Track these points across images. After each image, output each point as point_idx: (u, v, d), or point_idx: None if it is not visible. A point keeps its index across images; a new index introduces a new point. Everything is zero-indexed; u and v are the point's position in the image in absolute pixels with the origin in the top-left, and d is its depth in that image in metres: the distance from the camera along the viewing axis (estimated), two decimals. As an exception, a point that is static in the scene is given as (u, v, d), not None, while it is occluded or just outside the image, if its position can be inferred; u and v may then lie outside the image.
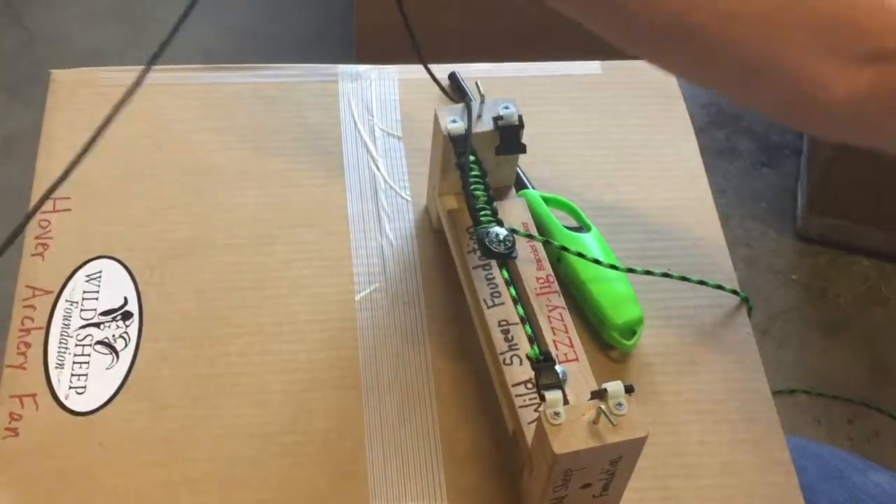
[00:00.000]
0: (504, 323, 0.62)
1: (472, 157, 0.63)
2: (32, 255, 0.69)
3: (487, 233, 0.61)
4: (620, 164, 0.79)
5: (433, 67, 0.82)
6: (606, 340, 0.67)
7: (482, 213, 0.62)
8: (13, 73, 1.69)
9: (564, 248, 0.66)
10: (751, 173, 1.63)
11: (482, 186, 0.63)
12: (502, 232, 0.61)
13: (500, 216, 0.63)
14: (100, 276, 0.68)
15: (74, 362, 0.64)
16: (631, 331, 0.67)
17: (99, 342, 0.65)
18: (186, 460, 0.61)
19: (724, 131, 1.68)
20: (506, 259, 0.60)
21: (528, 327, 0.58)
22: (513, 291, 0.59)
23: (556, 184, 0.75)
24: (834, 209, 1.49)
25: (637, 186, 0.77)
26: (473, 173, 0.63)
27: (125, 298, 0.68)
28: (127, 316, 0.67)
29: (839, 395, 1.37)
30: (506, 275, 0.60)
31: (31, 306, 0.67)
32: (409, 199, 0.74)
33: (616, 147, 0.80)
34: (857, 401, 1.37)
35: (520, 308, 0.58)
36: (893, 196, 1.44)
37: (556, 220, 0.70)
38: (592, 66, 0.84)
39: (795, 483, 0.63)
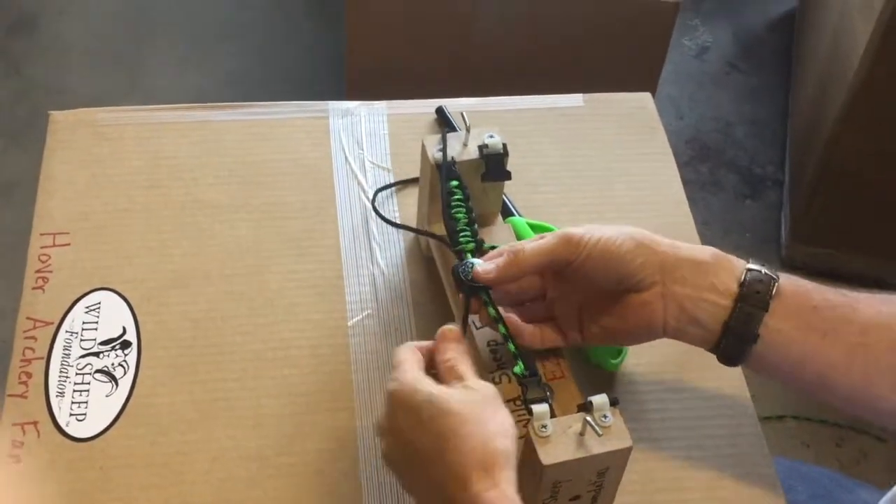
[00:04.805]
0: (492, 343, 0.64)
1: (456, 183, 0.66)
2: (33, 288, 0.71)
3: (463, 265, 0.62)
4: (604, 191, 0.81)
5: (421, 103, 0.85)
6: (593, 360, 0.69)
7: (462, 234, 0.64)
8: (11, 121, 1.72)
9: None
10: (735, 205, 1.66)
11: (464, 210, 0.65)
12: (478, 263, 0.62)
13: (485, 240, 0.65)
14: (99, 308, 0.70)
15: (75, 390, 0.66)
16: (616, 350, 0.69)
17: (98, 370, 0.67)
18: (184, 483, 0.62)
19: (708, 165, 1.71)
20: (484, 292, 0.62)
21: (510, 345, 0.59)
22: (492, 312, 0.61)
23: (543, 211, 0.77)
24: (817, 238, 1.52)
25: (621, 212, 0.80)
26: (456, 197, 0.65)
27: (123, 328, 0.69)
28: (125, 345, 0.69)
29: (827, 420, 1.39)
30: (486, 297, 0.62)
31: (33, 337, 0.68)
32: (399, 228, 0.77)
33: (600, 175, 0.82)
34: (845, 424, 1.38)
35: (501, 327, 0.60)
36: (874, 223, 1.47)
37: (542, 244, 0.72)
38: (575, 99, 0.87)
39: (781, 495, 0.65)
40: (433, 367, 0.58)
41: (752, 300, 0.58)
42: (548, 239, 0.60)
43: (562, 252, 0.59)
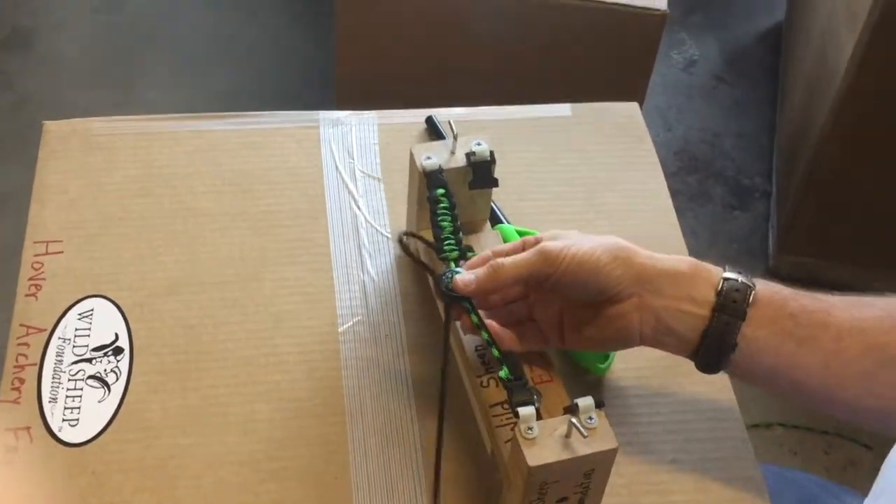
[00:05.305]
0: (480, 348, 0.65)
1: (442, 191, 0.67)
2: (26, 295, 0.72)
3: (444, 275, 0.63)
4: (592, 199, 0.82)
5: (411, 113, 0.86)
6: (581, 364, 0.70)
7: (446, 242, 0.65)
8: (5, 134, 1.73)
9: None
10: (722, 216, 1.68)
11: (449, 218, 0.66)
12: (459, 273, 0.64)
13: (472, 246, 0.66)
14: (91, 314, 0.71)
15: (67, 396, 0.66)
16: (604, 355, 0.69)
17: (91, 376, 0.68)
18: (176, 487, 0.63)
19: (696, 176, 1.73)
20: (466, 300, 0.63)
21: (494, 350, 0.60)
22: (475, 318, 0.62)
23: (531, 218, 0.78)
24: (804, 248, 1.53)
25: (609, 220, 0.81)
26: (442, 205, 0.66)
27: (116, 334, 0.70)
28: (118, 351, 0.69)
29: (814, 427, 1.40)
30: (469, 305, 0.63)
31: (26, 344, 0.69)
32: (390, 236, 0.78)
33: (587, 184, 0.83)
34: (832, 432, 1.39)
35: (484, 333, 0.61)
36: (860, 233, 1.49)
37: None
38: (563, 109, 0.88)
39: (767, 499, 0.66)
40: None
41: (730, 309, 0.59)
42: (527, 254, 0.61)
43: (540, 267, 0.60)
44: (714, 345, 0.59)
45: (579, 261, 0.59)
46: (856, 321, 0.59)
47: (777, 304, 0.59)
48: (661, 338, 0.60)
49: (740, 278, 0.59)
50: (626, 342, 0.61)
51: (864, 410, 0.60)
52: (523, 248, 0.63)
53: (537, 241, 0.63)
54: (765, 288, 0.60)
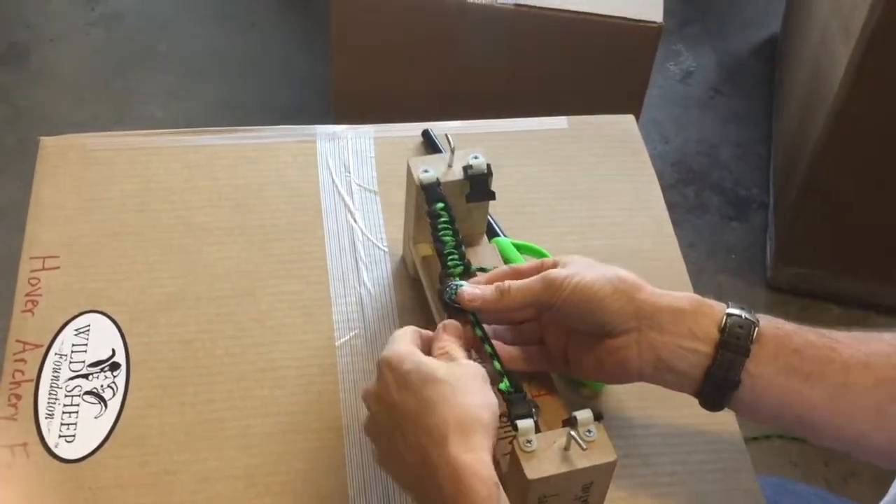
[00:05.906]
0: (477, 361, 0.64)
1: (441, 205, 0.67)
2: (23, 311, 0.72)
3: (448, 287, 0.64)
4: (588, 211, 0.82)
5: (407, 126, 0.86)
6: (578, 378, 0.70)
7: (450, 257, 0.65)
8: (1, 149, 1.73)
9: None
10: (720, 227, 1.68)
11: (451, 232, 0.66)
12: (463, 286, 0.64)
13: (471, 261, 0.66)
14: (88, 330, 0.71)
15: (64, 412, 0.66)
16: (601, 368, 0.69)
17: (88, 392, 0.67)
18: (173, 503, 0.63)
19: (694, 188, 1.73)
20: (471, 312, 0.63)
21: (496, 363, 0.60)
22: (478, 332, 0.62)
23: (528, 231, 0.78)
24: (801, 259, 1.53)
25: (605, 232, 0.81)
26: (442, 219, 0.66)
27: (113, 350, 0.70)
28: (115, 367, 0.69)
29: (813, 439, 1.40)
30: (472, 317, 0.63)
31: (22, 360, 0.69)
32: (386, 249, 0.78)
33: (584, 196, 0.83)
34: (832, 443, 1.39)
35: (487, 346, 0.61)
36: (857, 244, 1.49)
37: (527, 264, 0.73)
38: (559, 122, 0.89)
39: (764, 510, 0.66)
40: (429, 353, 0.59)
41: (733, 346, 0.58)
42: (532, 280, 0.61)
43: (543, 295, 0.60)
44: (718, 382, 0.58)
45: (580, 290, 0.59)
46: (862, 356, 0.58)
47: (781, 339, 0.58)
48: (661, 375, 0.60)
49: (743, 314, 0.59)
50: (624, 376, 0.61)
51: (873, 445, 0.58)
52: (541, 269, 0.63)
53: (554, 265, 0.63)
54: (768, 323, 0.59)
